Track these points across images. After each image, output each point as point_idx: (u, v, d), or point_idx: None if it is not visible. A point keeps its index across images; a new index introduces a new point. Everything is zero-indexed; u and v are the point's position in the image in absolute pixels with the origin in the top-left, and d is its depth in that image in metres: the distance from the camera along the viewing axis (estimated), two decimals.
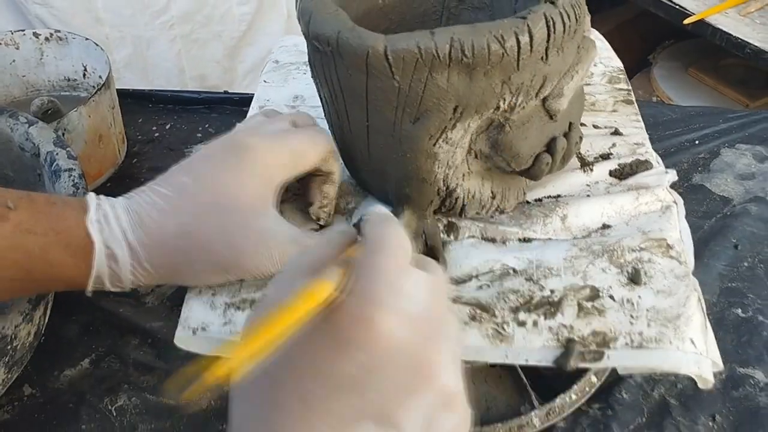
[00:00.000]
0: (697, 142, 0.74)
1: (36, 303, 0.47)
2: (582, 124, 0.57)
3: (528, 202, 0.51)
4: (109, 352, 0.55)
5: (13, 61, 0.75)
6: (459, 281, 0.46)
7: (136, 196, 0.45)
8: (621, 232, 0.48)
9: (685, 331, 0.41)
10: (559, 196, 0.52)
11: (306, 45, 0.47)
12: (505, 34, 0.39)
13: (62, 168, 0.54)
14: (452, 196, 0.47)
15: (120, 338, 0.56)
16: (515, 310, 0.43)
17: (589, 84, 0.64)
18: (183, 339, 0.44)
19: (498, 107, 0.42)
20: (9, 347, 0.45)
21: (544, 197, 0.52)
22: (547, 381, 0.49)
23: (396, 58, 0.39)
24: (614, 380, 0.50)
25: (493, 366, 0.49)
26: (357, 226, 0.51)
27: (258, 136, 0.46)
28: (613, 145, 0.56)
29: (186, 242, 0.43)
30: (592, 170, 0.53)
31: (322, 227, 0.51)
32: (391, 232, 0.31)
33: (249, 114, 0.62)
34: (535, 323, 0.42)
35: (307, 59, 0.49)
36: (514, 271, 0.46)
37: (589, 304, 0.43)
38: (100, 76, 0.74)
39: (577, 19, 0.41)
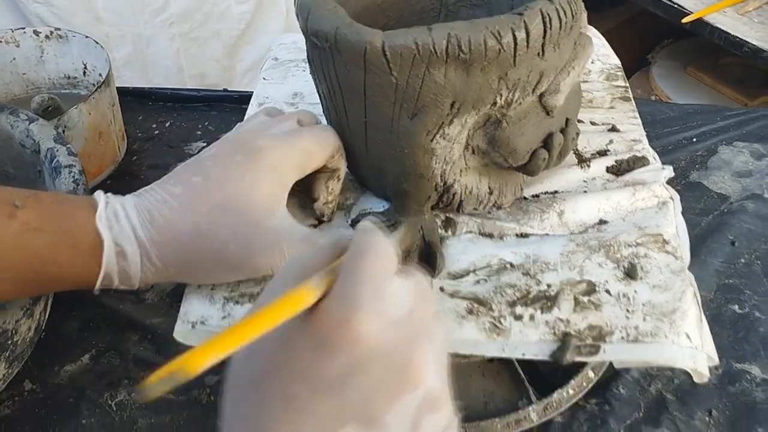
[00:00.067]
0: (694, 139, 0.74)
1: (36, 298, 0.47)
2: (579, 121, 0.58)
3: (525, 198, 0.52)
4: (109, 347, 0.55)
5: (14, 59, 0.76)
6: (456, 276, 0.46)
7: (145, 194, 0.45)
8: (617, 227, 0.48)
9: (680, 326, 0.42)
10: (556, 192, 0.52)
11: (305, 42, 0.47)
12: (501, 30, 0.39)
13: (62, 164, 0.54)
14: (450, 191, 0.48)
15: (120, 334, 0.56)
16: (512, 304, 0.43)
17: (586, 81, 0.64)
18: (182, 333, 0.45)
19: (495, 103, 0.43)
20: (10, 342, 0.45)
21: (542, 193, 0.52)
22: (545, 376, 0.49)
23: (393, 54, 0.40)
24: (611, 375, 0.50)
25: (491, 361, 0.49)
26: (354, 223, 0.51)
27: (268, 137, 0.46)
28: (611, 141, 0.56)
29: (198, 241, 0.43)
30: (589, 166, 0.54)
31: (320, 223, 0.51)
32: (376, 239, 0.32)
33: (248, 111, 0.62)
34: (531, 317, 0.43)
35: (306, 56, 0.49)
36: (511, 265, 0.46)
37: (585, 299, 0.43)
38: (100, 74, 0.74)
39: (573, 16, 0.42)
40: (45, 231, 0.42)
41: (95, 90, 0.66)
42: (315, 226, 0.51)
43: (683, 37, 1.50)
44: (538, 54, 0.41)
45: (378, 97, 0.43)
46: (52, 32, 0.76)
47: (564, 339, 0.42)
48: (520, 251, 0.47)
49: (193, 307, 0.45)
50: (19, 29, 0.76)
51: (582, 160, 0.54)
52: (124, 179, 0.71)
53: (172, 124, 0.79)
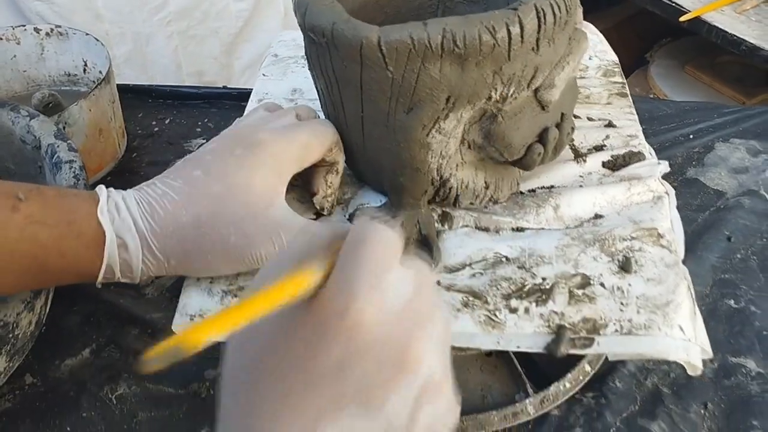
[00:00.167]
0: (691, 136, 0.75)
1: (37, 292, 0.47)
2: (576, 117, 0.58)
3: (521, 193, 0.52)
4: (109, 342, 0.56)
5: (14, 56, 0.76)
6: (453, 270, 0.46)
7: (146, 188, 0.45)
8: (613, 221, 0.49)
9: (674, 318, 0.42)
10: (552, 186, 0.52)
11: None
12: (496, 25, 0.39)
13: (63, 160, 0.54)
14: (446, 185, 0.48)
15: (120, 328, 0.57)
16: (507, 297, 0.44)
17: (583, 77, 0.64)
18: (181, 325, 0.45)
19: (490, 97, 0.43)
20: (11, 335, 0.46)
21: (538, 188, 0.52)
22: (542, 370, 0.49)
23: (389, 48, 0.40)
24: (608, 369, 0.51)
25: (488, 355, 0.50)
26: (352, 217, 0.52)
27: (267, 131, 0.47)
28: (607, 137, 0.57)
29: (199, 232, 0.44)
30: (585, 161, 0.54)
31: (319, 217, 0.51)
32: (379, 227, 0.31)
33: (248, 107, 0.62)
34: (526, 310, 0.43)
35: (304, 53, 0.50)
36: (507, 259, 0.46)
37: (579, 292, 0.44)
38: (100, 71, 0.74)
39: (567, 11, 0.42)
40: (48, 223, 0.42)
41: (95, 87, 0.66)
42: (314, 221, 0.51)
43: (681, 35, 1.50)
44: (533, 49, 0.42)
45: (374, 92, 0.43)
46: (52, 29, 0.76)
47: (558, 331, 0.42)
48: (516, 245, 0.47)
49: (192, 300, 0.46)
50: (19, 26, 0.76)
51: (578, 155, 0.55)
52: (124, 176, 0.72)
53: (172, 121, 0.80)
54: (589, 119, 0.59)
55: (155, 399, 0.51)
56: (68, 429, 0.50)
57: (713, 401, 0.50)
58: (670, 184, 0.53)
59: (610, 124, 0.58)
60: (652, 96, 1.38)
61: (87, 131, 0.67)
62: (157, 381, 0.52)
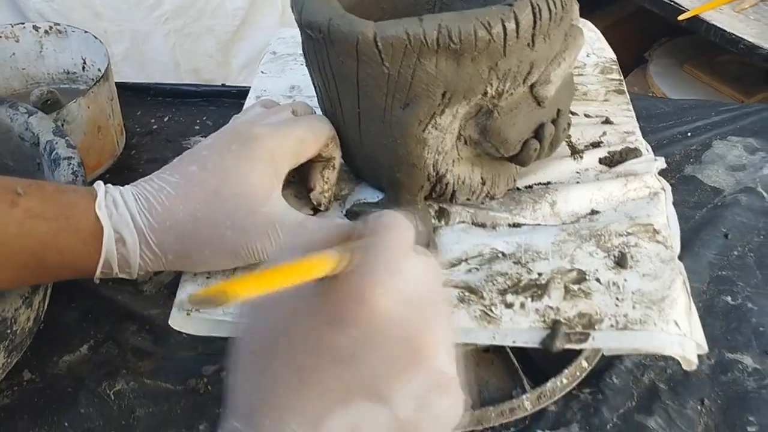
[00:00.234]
0: (689, 134, 0.75)
1: (35, 288, 0.47)
2: (574, 113, 0.58)
3: (518, 189, 0.52)
4: (107, 338, 0.56)
5: (13, 53, 0.76)
6: (449, 265, 0.46)
7: (143, 183, 0.46)
8: (609, 217, 0.49)
9: (669, 313, 0.42)
10: (549, 183, 0.53)
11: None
12: (491, 20, 0.40)
13: (61, 156, 0.55)
14: (442, 181, 0.48)
15: (118, 325, 0.57)
16: (503, 293, 0.44)
17: (581, 74, 0.64)
18: (177, 320, 0.45)
19: (486, 93, 0.43)
20: (9, 331, 0.46)
21: (535, 184, 0.53)
22: (539, 365, 0.49)
23: (385, 44, 0.40)
24: (605, 365, 0.51)
25: (485, 351, 0.50)
26: (349, 213, 0.52)
27: (264, 126, 0.47)
28: (604, 133, 0.57)
29: (195, 227, 0.44)
30: (582, 158, 0.54)
31: (315, 212, 0.52)
32: (396, 217, 0.32)
33: (246, 104, 0.63)
34: (522, 305, 0.43)
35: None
36: (503, 254, 0.46)
37: (575, 287, 0.44)
38: (99, 69, 0.75)
39: (563, 7, 0.42)
40: (47, 218, 0.43)
41: (94, 84, 0.66)
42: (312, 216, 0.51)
43: (680, 34, 1.50)
44: (528, 44, 0.42)
45: (370, 88, 0.43)
46: (51, 27, 0.76)
47: (554, 326, 0.42)
48: (512, 240, 0.47)
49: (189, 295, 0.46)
50: (18, 24, 0.76)
51: (575, 152, 0.55)
52: (122, 173, 0.72)
53: (171, 118, 0.80)
54: (587, 116, 0.59)
55: (153, 395, 0.51)
56: (66, 425, 0.50)
57: (710, 397, 0.50)
58: (667, 181, 0.53)
59: (607, 121, 0.58)
60: (651, 94, 1.38)
61: (85, 128, 0.67)
62: (155, 377, 0.53)
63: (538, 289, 0.44)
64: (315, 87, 0.51)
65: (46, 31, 0.76)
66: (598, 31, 0.71)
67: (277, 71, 0.67)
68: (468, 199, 0.51)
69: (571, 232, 0.48)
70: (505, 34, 0.40)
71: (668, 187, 0.52)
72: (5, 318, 0.45)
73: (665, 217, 0.49)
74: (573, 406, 0.49)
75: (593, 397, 0.49)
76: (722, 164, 0.71)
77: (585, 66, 0.66)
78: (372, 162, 0.49)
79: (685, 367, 0.43)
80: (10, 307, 0.46)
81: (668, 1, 1.25)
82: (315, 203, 0.51)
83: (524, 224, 0.49)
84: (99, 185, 0.45)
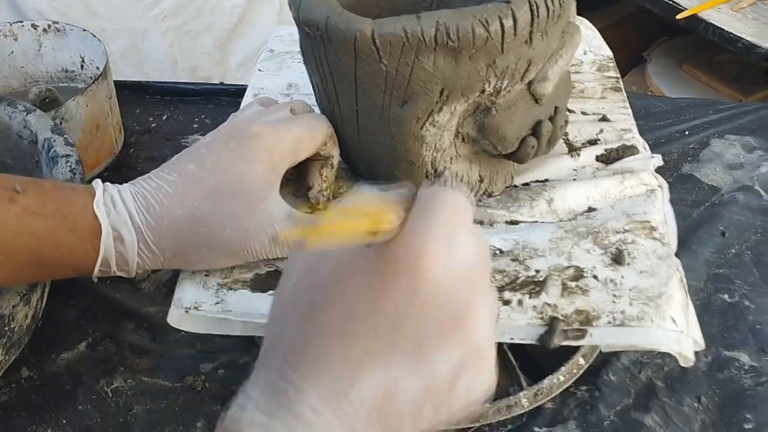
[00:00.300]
0: (687, 132, 0.75)
1: (33, 286, 0.47)
2: (571, 111, 0.58)
3: (516, 186, 0.52)
4: (105, 336, 0.56)
5: (12, 52, 0.76)
6: None
7: (142, 182, 0.46)
8: (606, 214, 0.49)
9: (666, 310, 0.42)
10: (546, 180, 0.53)
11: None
12: (489, 18, 0.40)
13: (59, 154, 0.55)
14: (440, 179, 0.48)
15: (116, 322, 0.57)
16: (500, 290, 0.44)
17: (578, 72, 0.65)
18: (176, 318, 0.45)
19: (483, 90, 0.43)
20: (6, 328, 0.46)
21: (532, 181, 0.53)
22: (536, 363, 0.49)
23: (383, 41, 0.40)
24: (602, 362, 0.51)
25: None
26: None
27: (262, 124, 0.47)
28: (601, 131, 0.57)
29: (193, 225, 0.44)
30: (579, 155, 0.54)
31: (313, 211, 0.52)
32: (453, 191, 0.32)
33: (244, 102, 0.63)
34: (519, 302, 0.43)
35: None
36: (501, 251, 0.47)
37: (572, 284, 0.44)
38: (97, 67, 0.75)
39: (561, 4, 0.42)
40: (45, 215, 0.43)
41: (92, 82, 0.66)
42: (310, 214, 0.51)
43: (679, 34, 1.50)
44: (526, 42, 0.42)
45: (368, 85, 0.43)
46: (50, 26, 0.76)
47: (551, 323, 0.42)
48: (510, 238, 0.47)
49: (187, 293, 0.46)
50: (17, 23, 0.76)
51: (572, 149, 0.55)
52: (121, 171, 0.72)
53: (169, 117, 0.80)
54: (584, 113, 0.60)
55: (151, 392, 0.51)
56: (64, 422, 0.50)
57: (707, 395, 0.50)
58: (665, 179, 0.53)
59: (604, 119, 0.58)
60: (649, 94, 1.39)
61: (84, 127, 0.67)
62: (153, 374, 0.53)
63: (535, 286, 0.44)
64: (313, 85, 0.51)
65: (44, 30, 0.76)
66: (595, 29, 0.71)
67: (274, 69, 0.67)
68: None
69: (568, 230, 0.48)
70: (503, 31, 0.40)
71: (665, 185, 0.52)
72: (3, 315, 0.45)
73: (662, 214, 0.49)
74: (570, 403, 0.49)
75: (590, 395, 0.50)
76: (720, 162, 0.71)
77: (582, 64, 0.66)
78: (370, 159, 0.50)
79: (681, 363, 0.43)
80: (8, 304, 0.46)
81: (667, 1, 1.25)
82: (313, 201, 0.51)
83: (522, 221, 0.49)
84: (97, 183, 0.46)
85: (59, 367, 0.54)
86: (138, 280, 0.59)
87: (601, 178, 0.52)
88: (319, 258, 0.31)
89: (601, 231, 0.47)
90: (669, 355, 0.43)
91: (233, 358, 0.53)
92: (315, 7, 0.43)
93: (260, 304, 0.45)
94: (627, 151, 0.54)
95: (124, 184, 0.46)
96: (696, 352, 0.44)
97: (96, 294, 0.58)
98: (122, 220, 0.44)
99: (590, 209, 0.50)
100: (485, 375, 0.31)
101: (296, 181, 0.53)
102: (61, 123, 0.64)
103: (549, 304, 0.43)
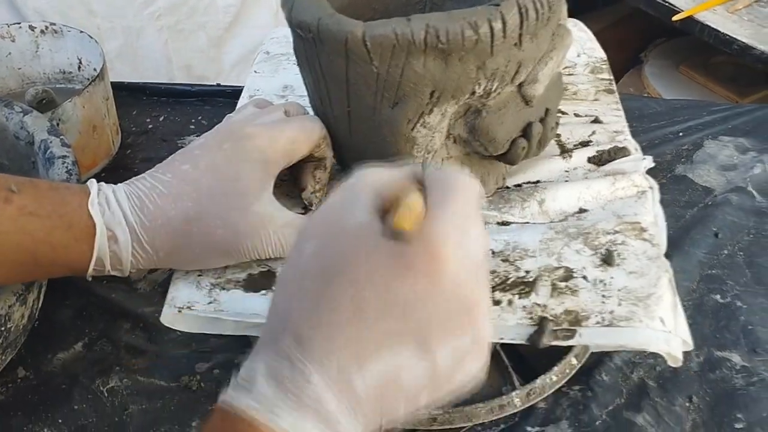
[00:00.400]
0: (681, 134, 0.75)
1: (29, 285, 0.48)
2: (563, 113, 0.59)
3: (508, 188, 0.53)
4: (101, 335, 0.56)
5: (9, 53, 0.77)
6: None
7: (136, 182, 0.46)
8: (597, 216, 0.49)
9: (655, 310, 0.43)
10: (538, 181, 0.53)
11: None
12: (478, 20, 0.40)
13: (56, 155, 0.55)
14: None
15: (112, 322, 0.57)
16: (491, 290, 0.44)
17: (571, 74, 0.65)
18: (169, 317, 0.46)
19: (474, 92, 0.44)
20: (3, 328, 0.46)
21: (524, 183, 0.53)
22: (529, 363, 0.50)
23: (374, 43, 0.41)
24: (594, 362, 0.51)
25: None
26: None
27: (256, 126, 0.48)
28: (593, 132, 0.57)
29: (187, 225, 0.44)
30: (571, 157, 0.55)
31: (306, 212, 0.52)
32: (471, 180, 0.33)
33: (239, 103, 0.63)
34: (509, 302, 0.44)
35: None
36: (492, 252, 0.47)
37: (562, 284, 0.44)
38: (94, 69, 0.75)
39: (550, 7, 0.43)
40: (40, 215, 0.43)
41: (89, 84, 0.67)
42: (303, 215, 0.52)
43: (676, 36, 1.51)
44: (516, 44, 0.42)
45: (360, 87, 0.44)
46: (47, 27, 0.77)
47: (541, 323, 0.42)
48: (501, 238, 0.48)
49: (180, 293, 0.47)
50: (14, 24, 0.76)
51: (564, 151, 0.55)
52: (117, 172, 0.72)
53: (166, 118, 0.80)
54: (576, 115, 0.60)
55: (147, 392, 0.52)
56: (60, 421, 0.50)
57: (698, 394, 0.50)
58: (658, 180, 0.53)
59: (596, 120, 0.59)
60: (646, 95, 1.39)
61: (81, 128, 0.67)
62: (149, 374, 0.53)
63: (525, 286, 0.44)
64: (306, 86, 0.51)
65: (42, 31, 0.77)
66: (589, 31, 0.71)
67: (270, 71, 0.68)
68: None
69: (559, 231, 0.48)
70: (492, 34, 0.41)
71: (656, 186, 0.52)
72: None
73: (652, 215, 0.49)
74: (562, 402, 0.49)
75: (582, 394, 0.50)
76: (713, 164, 0.71)
77: (575, 66, 0.66)
78: (363, 161, 0.50)
79: (670, 363, 0.43)
80: (4, 304, 0.46)
81: (663, 2, 1.25)
82: (306, 203, 0.52)
83: (513, 222, 0.50)
84: (92, 183, 0.46)
85: (55, 367, 0.54)
86: (134, 280, 0.60)
87: (593, 180, 0.52)
88: (332, 238, 0.31)
89: (591, 232, 0.48)
90: (660, 355, 0.43)
91: (228, 357, 0.53)
92: (307, 9, 0.43)
93: (253, 304, 0.46)
94: (619, 152, 0.54)
95: (119, 185, 0.46)
96: (688, 352, 0.44)
97: (92, 294, 0.59)
98: (116, 219, 0.44)
99: (581, 210, 0.50)
100: (479, 368, 0.32)
101: (290, 183, 0.53)
102: (57, 124, 0.64)
103: (539, 305, 0.43)
